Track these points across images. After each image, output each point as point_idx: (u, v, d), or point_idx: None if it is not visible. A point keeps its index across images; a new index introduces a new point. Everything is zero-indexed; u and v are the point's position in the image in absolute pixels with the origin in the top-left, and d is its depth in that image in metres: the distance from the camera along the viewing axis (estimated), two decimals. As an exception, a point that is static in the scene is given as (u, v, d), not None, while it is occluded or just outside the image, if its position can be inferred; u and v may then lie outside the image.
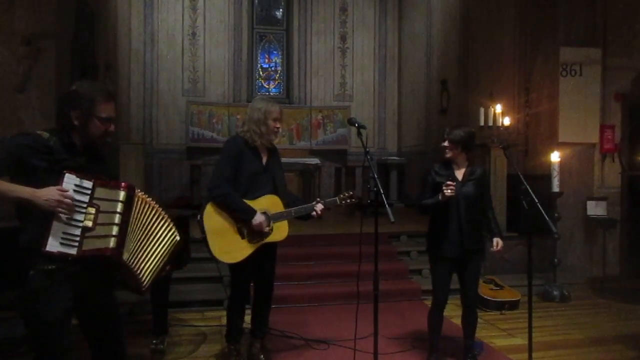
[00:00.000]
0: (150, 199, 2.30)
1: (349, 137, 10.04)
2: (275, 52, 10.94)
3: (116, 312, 2.36)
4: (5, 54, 5.02)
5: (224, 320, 4.51)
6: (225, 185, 3.19)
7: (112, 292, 2.36)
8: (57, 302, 2.07)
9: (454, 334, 3.99)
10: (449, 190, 3.16)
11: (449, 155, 3.39)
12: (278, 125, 3.30)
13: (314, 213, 3.28)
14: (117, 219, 2.12)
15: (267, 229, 3.22)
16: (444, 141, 3.39)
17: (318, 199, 3.37)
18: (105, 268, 2.22)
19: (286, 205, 3.33)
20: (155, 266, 2.28)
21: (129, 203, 2.16)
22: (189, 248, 4.03)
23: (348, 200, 3.39)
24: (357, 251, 2.90)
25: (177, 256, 3.60)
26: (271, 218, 3.23)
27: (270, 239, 3.26)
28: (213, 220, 3.16)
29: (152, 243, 2.27)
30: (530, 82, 6.68)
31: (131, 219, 2.17)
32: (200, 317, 4.66)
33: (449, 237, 3.35)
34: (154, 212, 2.29)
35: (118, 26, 8.63)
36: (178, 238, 2.37)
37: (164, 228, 2.32)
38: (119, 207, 2.13)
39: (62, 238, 2.03)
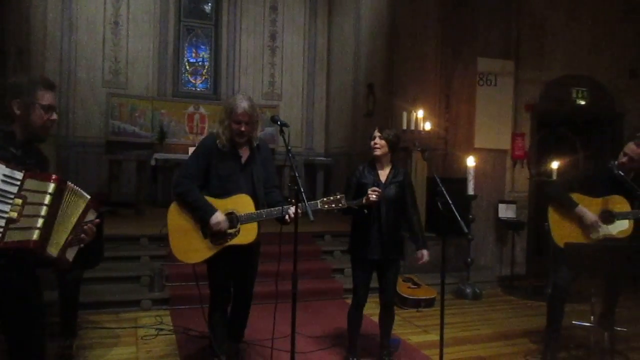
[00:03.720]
0: (83, 191, 2.24)
1: (277, 136, 10.00)
2: (203, 46, 10.69)
3: (39, 308, 2.26)
4: None
5: (140, 322, 4.39)
6: (187, 183, 3.05)
7: (38, 287, 2.26)
8: None
9: (372, 332, 4.09)
10: (374, 195, 3.22)
11: (378, 152, 3.44)
12: (242, 128, 3.03)
13: (287, 217, 2.95)
14: (43, 211, 2.05)
15: (229, 230, 3.01)
16: (375, 138, 3.44)
17: (293, 202, 2.89)
18: (29, 261, 2.14)
19: (264, 206, 3.09)
20: (67, 239, 2.19)
21: (58, 195, 2.10)
22: (103, 247, 3.85)
23: (333, 205, 2.97)
24: (277, 250, 2.89)
25: (89, 255, 3.45)
26: (238, 219, 3.02)
27: (236, 241, 3.02)
28: (176, 218, 3.05)
29: (71, 223, 2.20)
30: (450, 89, 6.99)
31: (59, 212, 2.12)
32: (114, 319, 4.45)
33: (370, 239, 3.41)
34: (78, 200, 2.22)
35: (31, 9, 8.05)
36: (87, 197, 2.26)
37: (78, 204, 2.23)
38: (47, 199, 2.06)
39: None
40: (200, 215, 3.00)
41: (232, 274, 3.23)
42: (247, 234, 3.03)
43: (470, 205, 5.77)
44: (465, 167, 5.77)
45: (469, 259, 5.79)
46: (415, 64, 7.60)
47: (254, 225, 3.05)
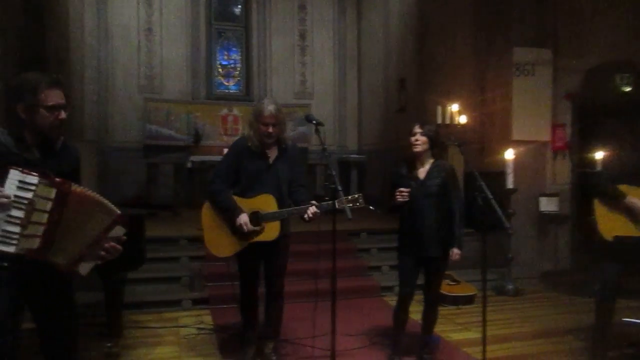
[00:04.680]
0: (89, 192, 2.11)
1: (310, 135, 10.01)
2: (234, 49, 10.80)
3: (68, 313, 2.28)
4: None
5: (182, 321, 4.47)
6: (218, 183, 3.32)
7: (69, 293, 2.27)
8: (1, 299, 1.99)
9: (413, 329, 4.03)
10: (400, 198, 3.21)
11: (419, 149, 3.37)
12: (270, 130, 3.23)
13: (306, 216, 3.15)
14: (44, 218, 2.01)
15: (254, 228, 3.21)
16: (415, 135, 3.36)
17: (313, 202, 3.19)
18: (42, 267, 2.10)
19: (288, 204, 3.31)
20: (82, 249, 2.10)
21: (61, 201, 2.03)
22: (145, 248, 3.93)
23: (351, 205, 2.99)
24: (315, 249, 2.89)
25: (132, 256, 3.54)
26: (261, 217, 3.22)
27: (260, 238, 3.24)
28: (209, 215, 3.32)
29: (87, 238, 2.10)
30: (485, 81, 6.83)
31: (64, 218, 2.03)
32: (156, 319, 4.54)
33: (413, 235, 3.38)
34: (91, 206, 2.10)
35: (70, 20, 8.30)
36: (117, 213, 2.13)
37: (100, 216, 2.11)
38: (49, 206, 2.02)
39: (0, 235, 1.95)
40: (228, 215, 3.24)
41: (260, 268, 3.47)
42: (270, 232, 3.24)
43: (509, 199, 5.63)
44: (503, 160, 5.63)
45: (509, 255, 5.65)
46: (448, 56, 7.47)
47: (276, 223, 3.25)
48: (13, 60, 5.31)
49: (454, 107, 6.50)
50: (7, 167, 1.97)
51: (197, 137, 9.54)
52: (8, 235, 1.96)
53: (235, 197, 3.28)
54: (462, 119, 6.45)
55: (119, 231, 2.15)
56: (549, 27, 6.37)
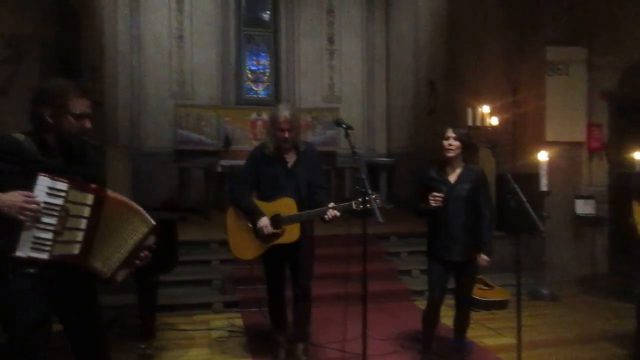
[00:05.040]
0: (122, 197, 2.17)
1: (338, 138, 10.00)
2: (263, 54, 10.89)
3: (97, 317, 2.31)
4: (-13, 56, 4.95)
5: (213, 324, 4.53)
6: (238, 189, 3.46)
7: (93, 296, 2.30)
8: (34, 306, 2.02)
9: (444, 334, 3.98)
10: (434, 202, 3.18)
11: (452, 154, 3.33)
12: (285, 135, 3.31)
13: (326, 217, 3.24)
14: (83, 224, 2.04)
15: (275, 231, 3.29)
16: (448, 139, 3.32)
17: (332, 204, 3.27)
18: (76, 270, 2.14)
19: (308, 207, 3.35)
20: (123, 258, 2.15)
21: (98, 206, 2.07)
22: (177, 251, 3.99)
23: (368, 205, 2.92)
24: (345, 252, 2.88)
25: (165, 260, 3.60)
26: (282, 220, 3.30)
27: (281, 240, 3.32)
28: (232, 220, 3.43)
29: (124, 243, 2.15)
30: (517, 81, 6.71)
31: (101, 223, 2.08)
32: (188, 321, 4.61)
33: (444, 241, 3.34)
34: (126, 211, 2.16)
35: (104, 28, 8.54)
36: (152, 223, 2.18)
37: (136, 223, 2.17)
38: (86, 212, 2.05)
39: (33, 242, 1.97)
40: (250, 219, 3.34)
41: (285, 270, 3.56)
42: (290, 234, 3.31)
43: (543, 201, 5.50)
44: (536, 162, 5.50)
45: (544, 258, 5.51)
46: (479, 57, 7.36)
47: (296, 225, 3.32)
48: (51, 69, 5.49)
49: (485, 109, 6.40)
50: (36, 173, 1.99)
51: (227, 141, 9.65)
52: (41, 242, 1.98)
53: (257, 202, 3.39)
54: (494, 121, 6.35)
55: (151, 240, 2.22)
56: (583, 25, 6.20)
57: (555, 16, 6.23)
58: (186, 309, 4.84)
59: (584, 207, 6.01)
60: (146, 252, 2.23)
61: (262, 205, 3.36)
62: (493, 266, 3.44)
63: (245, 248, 3.40)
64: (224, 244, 5.73)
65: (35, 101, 2.12)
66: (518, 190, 3.02)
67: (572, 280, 5.97)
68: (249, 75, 10.85)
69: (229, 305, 4.94)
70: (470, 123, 6.35)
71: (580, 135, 6.18)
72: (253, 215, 3.32)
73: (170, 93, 9.93)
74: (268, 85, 10.92)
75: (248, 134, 10.06)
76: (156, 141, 9.76)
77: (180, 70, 10.01)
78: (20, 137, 2.06)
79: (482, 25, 7.32)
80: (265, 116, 10.19)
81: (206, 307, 4.90)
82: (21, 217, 1.93)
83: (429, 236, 3.49)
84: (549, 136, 6.10)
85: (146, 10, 9.77)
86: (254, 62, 10.86)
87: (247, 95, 10.76)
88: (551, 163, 5.59)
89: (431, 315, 3.47)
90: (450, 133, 3.32)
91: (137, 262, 2.21)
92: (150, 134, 9.77)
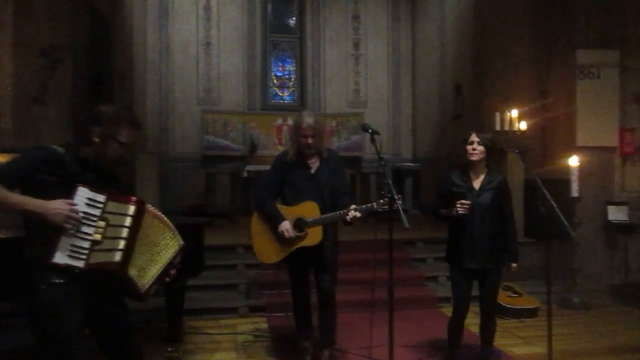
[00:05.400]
0: (158, 212, 2.29)
1: (363, 143, 9.99)
2: (288, 60, 10.98)
3: (128, 322, 2.36)
4: (22, 65, 5.11)
5: (239, 328, 4.55)
6: (263, 193, 3.52)
7: (122, 302, 2.35)
8: (70, 316, 2.07)
9: (472, 342, 3.92)
10: (462, 210, 3.15)
11: (476, 158, 3.30)
12: (309, 141, 3.37)
13: (348, 218, 3.25)
14: (125, 233, 2.11)
15: (298, 234, 3.33)
16: (473, 144, 3.29)
17: (353, 206, 3.28)
18: (109, 279, 2.21)
19: (331, 210, 3.38)
20: (157, 275, 2.26)
21: (138, 217, 2.16)
22: (204, 256, 4.04)
23: (388, 207, 2.94)
24: (371, 258, 2.87)
25: (192, 264, 3.65)
26: (305, 224, 3.33)
27: (304, 243, 3.36)
28: (257, 224, 3.49)
29: (157, 256, 2.25)
30: (546, 85, 6.58)
31: (139, 234, 2.17)
32: (214, 325, 4.65)
33: (464, 247, 3.31)
34: (161, 225, 2.28)
35: (134, 37, 8.74)
36: (182, 242, 2.35)
37: (168, 239, 2.30)
38: (128, 222, 2.12)
39: (70, 250, 2.04)
40: (273, 223, 3.39)
41: (309, 274, 3.59)
42: (312, 236, 3.34)
43: (574, 208, 5.37)
44: (567, 167, 5.38)
45: (575, 266, 5.38)
46: (506, 61, 7.25)
47: (319, 228, 3.34)
48: (82, 76, 5.64)
49: (513, 113, 6.29)
50: (75, 184, 2.08)
51: (253, 147, 9.74)
52: (78, 250, 2.05)
53: (280, 206, 3.46)
54: (522, 125, 6.24)
55: (178, 258, 2.36)
56: (616, 27, 6.06)
57: (587, 19, 6.10)
58: (212, 313, 4.89)
59: (616, 214, 5.84)
60: (175, 272, 2.35)
61: (286, 209, 3.42)
62: (521, 273, 3.38)
63: (269, 252, 3.45)
64: (249, 248, 5.75)
65: (89, 116, 2.23)
66: (548, 195, 2.96)
67: (604, 289, 5.80)
68: (275, 81, 10.94)
69: (255, 310, 4.97)
70: (498, 128, 6.25)
71: (612, 139, 6.02)
72: (275, 219, 3.38)
73: (198, 99, 10.10)
74: (293, 90, 10.99)
75: (273, 140, 10.13)
76: (184, 147, 9.93)
77: (208, 76, 10.17)
78: (60, 149, 2.14)
79: (509, 29, 7.22)
80: (290, 122, 10.25)
81: (232, 311, 4.94)
82: (66, 225, 2.02)
83: (448, 242, 3.47)
84: (580, 141, 5.96)
85: (174, 19, 9.98)
86: (280, 68, 10.95)
87: (273, 101, 10.86)
88: (582, 168, 5.45)
89: (456, 324, 3.44)
90: (474, 137, 3.30)
91: (167, 279, 2.32)
92: (178, 139, 9.95)
